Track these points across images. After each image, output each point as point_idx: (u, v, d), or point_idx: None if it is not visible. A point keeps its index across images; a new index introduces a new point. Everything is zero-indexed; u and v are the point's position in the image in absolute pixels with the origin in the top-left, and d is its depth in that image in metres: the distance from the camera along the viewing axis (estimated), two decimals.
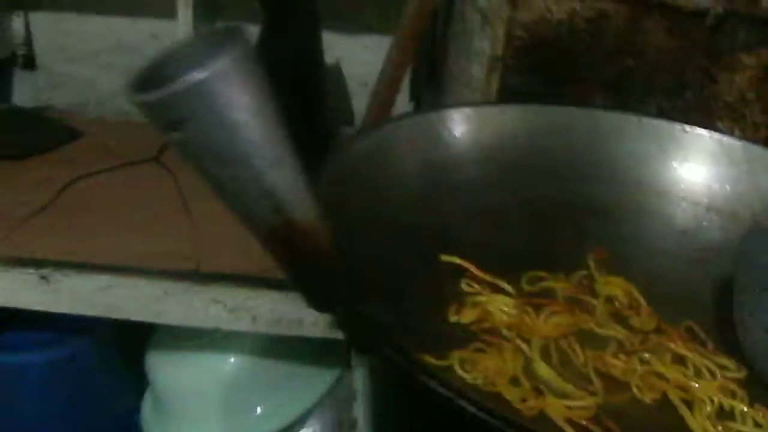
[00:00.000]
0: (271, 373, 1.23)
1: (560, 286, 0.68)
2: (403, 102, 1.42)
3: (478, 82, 0.80)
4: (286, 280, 0.42)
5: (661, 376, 0.62)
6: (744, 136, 0.82)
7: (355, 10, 1.49)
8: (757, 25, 0.79)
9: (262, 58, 1.07)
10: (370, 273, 0.52)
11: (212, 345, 1.21)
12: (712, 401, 0.60)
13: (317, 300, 0.43)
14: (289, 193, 0.37)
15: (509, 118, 0.69)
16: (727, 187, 0.73)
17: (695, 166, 0.74)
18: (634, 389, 0.60)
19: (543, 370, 0.59)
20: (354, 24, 1.51)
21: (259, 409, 1.23)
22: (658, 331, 0.67)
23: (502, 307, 0.62)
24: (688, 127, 0.74)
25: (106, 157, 1.31)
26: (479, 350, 0.58)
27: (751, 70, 0.81)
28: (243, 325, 1.02)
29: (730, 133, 0.76)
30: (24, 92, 1.65)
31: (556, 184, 0.71)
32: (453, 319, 0.60)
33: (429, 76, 1.35)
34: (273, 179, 0.36)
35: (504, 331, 0.60)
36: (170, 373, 1.25)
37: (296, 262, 0.40)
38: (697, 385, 0.61)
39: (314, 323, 0.99)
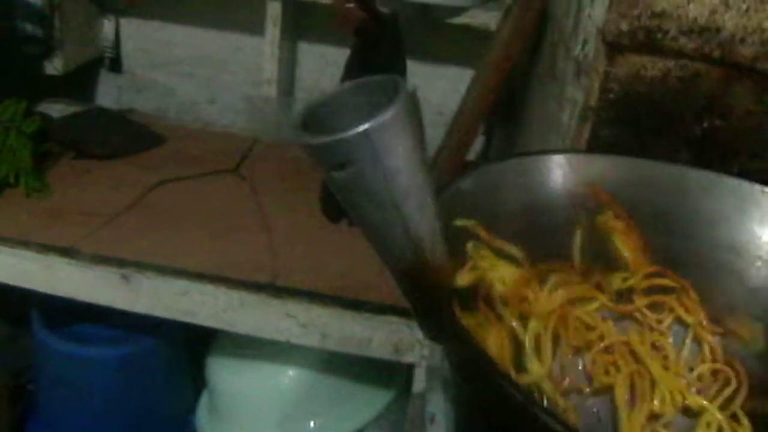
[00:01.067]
0: (327, 389, 1.26)
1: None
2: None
3: (568, 129, 0.82)
4: (408, 308, 0.45)
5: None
6: None
7: (436, 41, 1.53)
8: None
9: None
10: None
11: (272, 356, 1.24)
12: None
13: (432, 330, 0.46)
14: (428, 234, 0.41)
15: (599, 167, 0.71)
16: None
17: None
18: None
19: (535, 368, 0.59)
20: (434, 54, 1.55)
21: (311, 423, 1.26)
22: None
23: (504, 275, 0.61)
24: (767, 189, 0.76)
25: (189, 164, 1.36)
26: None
27: None
28: (313, 340, 1.05)
29: None
30: (107, 94, 1.72)
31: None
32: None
33: (504, 112, 1.38)
34: (417, 222, 0.40)
35: (500, 307, 0.59)
36: (229, 378, 1.29)
37: (422, 296, 0.44)
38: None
39: (382, 344, 1.02)
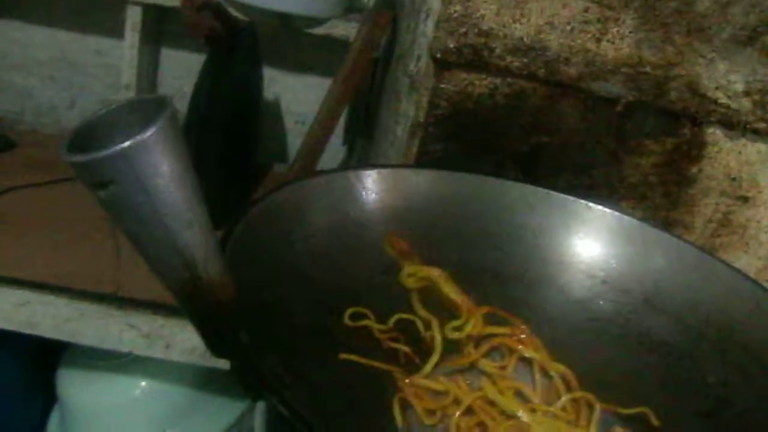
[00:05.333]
0: (180, 399, 1.24)
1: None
2: (337, 145, 1.47)
3: (401, 143, 0.84)
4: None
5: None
6: (644, 217, 0.87)
7: (297, 50, 1.53)
8: (663, 115, 0.85)
9: (204, 91, 1.09)
10: (274, 323, 0.55)
11: (124, 367, 1.21)
12: None
13: (218, 348, 0.46)
14: (199, 251, 0.41)
15: (423, 181, 0.72)
16: (623, 264, 0.77)
17: (595, 242, 0.78)
18: None
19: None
20: (295, 63, 1.55)
21: None
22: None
23: None
24: (591, 204, 0.78)
25: (40, 170, 1.32)
26: None
27: (655, 156, 0.86)
28: (157, 351, 1.03)
29: (631, 213, 0.80)
30: None
31: (463, 249, 0.74)
32: None
33: (364, 122, 1.40)
34: (185, 239, 0.40)
35: None
36: (80, 391, 1.25)
37: (201, 313, 0.44)
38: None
39: None
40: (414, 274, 0.70)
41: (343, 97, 1.07)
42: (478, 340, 0.69)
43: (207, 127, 1.15)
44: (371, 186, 0.68)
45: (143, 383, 1.22)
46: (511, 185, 0.78)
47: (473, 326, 0.69)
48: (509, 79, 0.81)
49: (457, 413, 0.63)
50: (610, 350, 0.74)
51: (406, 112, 0.84)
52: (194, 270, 0.41)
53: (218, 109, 1.15)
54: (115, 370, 1.22)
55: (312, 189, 0.65)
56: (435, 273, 0.70)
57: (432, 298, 0.70)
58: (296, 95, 1.56)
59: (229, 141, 1.20)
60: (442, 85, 0.80)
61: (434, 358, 0.66)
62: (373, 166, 0.70)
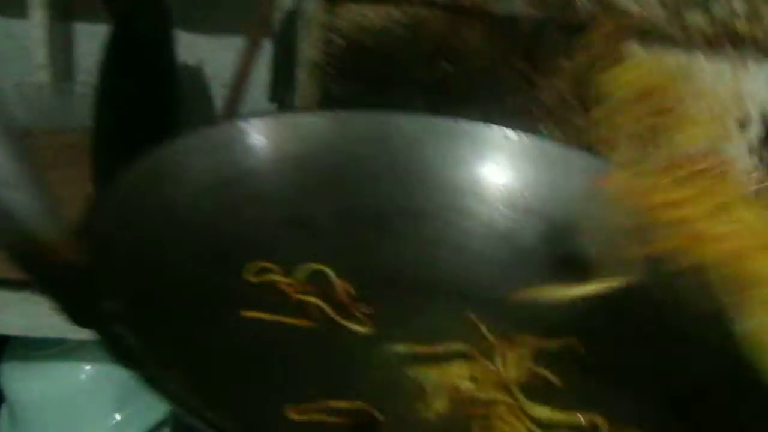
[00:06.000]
0: (128, 380, 1.21)
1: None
2: (264, 102, 1.42)
3: (304, 88, 0.80)
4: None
5: None
6: (566, 140, 0.84)
7: (215, 11, 1.48)
8: (574, 30, 0.81)
9: (108, 61, 1.05)
10: (159, 287, 0.52)
11: (66, 354, 1.18)
12: None
13: (79, 318, 0.43)
14: (27, 213, 0.38)
15: (321, 125, 0.68)
16: (545, 191, 0.74)
17: (514, 170, 0.75)
18: None
19: None
20: (215, 25, 1.49)
21: (117, 417, 1.23)
22: None
23: None
24: (507, 131, 0.74)
25: None
26: None
27: (570, 74, 0.84)
28: (88, 334, 1.00)
29: (550, 137, 0.77)
30: None
31: (372, 190, 0.70)
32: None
33: (290, 76, 1.35)
34: (8, 201, 0.37)
35: None
36: (24, 384, 1.22)
37: (45, 279, 0.41)
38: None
39: None
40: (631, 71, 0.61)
41: (253, 53, 1.03)
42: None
43: (115, 98, 1.10)
44: (266, 134, 0.65)
45: (87, 367, 1.20)
46: (417, 119, 0.74)
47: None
48: (406, 8, 0.77)
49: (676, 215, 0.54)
50: (537, 282, 0.71)
51: (303, 54, 0.80)
52: (24, 233, 0.38)
53: (125, 78, 1.11)
54: (57, 358, 1.19)
55: (196, 142, 0.61)
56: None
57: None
58: (220, 58, 1.51)
59: (142, 111, 1.15)
60: (335, 21, 0.76)
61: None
62: (263, 113, 0.66)
